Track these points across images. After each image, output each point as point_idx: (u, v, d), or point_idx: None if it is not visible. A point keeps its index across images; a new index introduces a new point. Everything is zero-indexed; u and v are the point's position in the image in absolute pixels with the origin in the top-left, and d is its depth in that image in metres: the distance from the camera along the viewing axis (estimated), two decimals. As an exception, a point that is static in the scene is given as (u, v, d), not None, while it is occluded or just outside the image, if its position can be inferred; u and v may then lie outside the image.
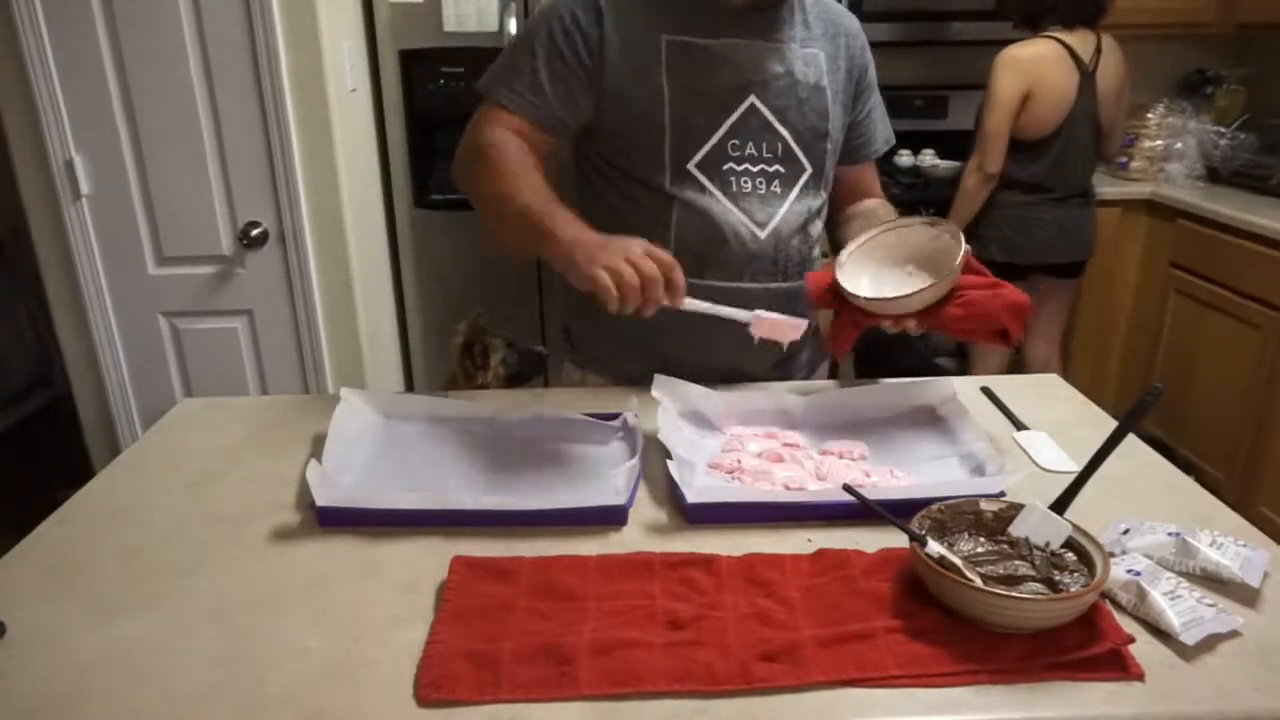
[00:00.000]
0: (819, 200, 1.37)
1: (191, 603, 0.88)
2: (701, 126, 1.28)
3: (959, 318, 1.16)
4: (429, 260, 2.80)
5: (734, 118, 1.28)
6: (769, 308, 1.19)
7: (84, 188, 2.15)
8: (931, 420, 1.22)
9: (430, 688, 0.75)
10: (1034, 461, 1.13)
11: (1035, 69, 2.52)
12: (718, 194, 1.29)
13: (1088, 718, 0.73)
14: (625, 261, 1.05)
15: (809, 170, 1.33)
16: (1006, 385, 1.35)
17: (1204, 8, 3.11)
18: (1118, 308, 3.12)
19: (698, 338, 1.26)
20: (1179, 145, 3.08)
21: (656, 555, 0.92)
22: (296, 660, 0.79)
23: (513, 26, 2.52)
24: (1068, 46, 2.53)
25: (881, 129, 1.48)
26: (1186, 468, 1.15)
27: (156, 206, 2.20)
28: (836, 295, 1.22)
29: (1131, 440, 1.06)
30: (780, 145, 1.30)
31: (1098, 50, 2.57)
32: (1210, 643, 0.79)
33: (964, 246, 1.15)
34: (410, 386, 2.91)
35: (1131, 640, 0.78)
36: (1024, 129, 2.56)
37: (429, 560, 0.92)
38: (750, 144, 1.29)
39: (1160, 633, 0.81)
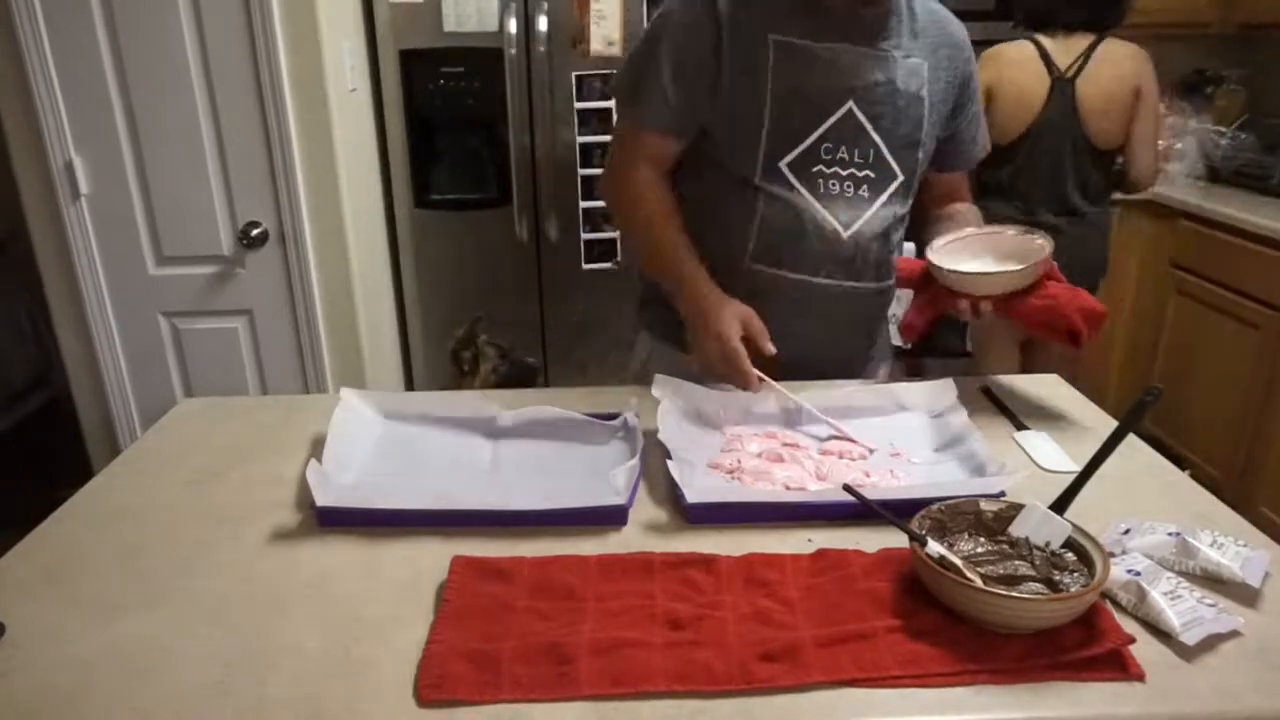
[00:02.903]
0: (904, 207, 1.38)
1: (191, 603, 0.88)
2: (798, 128, 1.30)
3: (1037, 309, 1.23)
4: (429, 260, 2.80)
5: (831, 121, 1.29)
6: (840, 305, 1.36)
7: (84, 188, 2.15)
8: (931, 420, 1.22)
9: (430, 688, 0.75)
10: (1034, 461, 1.13)
11: (997, 67, 2.42)
12: (805, 193, 1.31)
13: (1088, 718, 0.73)
14: (719, 349, 1.24)
15: (900, 178, 1.34)
16: (1006, 385, 1.35)
17: (1204, 8, 3.11)
18: (1118, 308, 3.12)
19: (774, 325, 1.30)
20: (1179, 145, 3.08)
21: (656, 555, 0.92)
22: (296, 660, 0.79)
23: (512, 26, 2.52)
24: (1042, 50, 2.43)
25: (980, 138, 1.48)
26: (1186, 467, 1.15)
27: (156, 206, 2.20)
28: (922, 277, 1.30)
29: (1131, 440, 1.06)
30: (873, 152, 1.31)
31: (1085, 57, 2.42)
32: (1210, 643, 0.79)
33: (1049, 246, 1.22)
34: (410, 386, 2.91)
35: (1131, 640, 0.78)
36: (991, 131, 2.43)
37: (429, 560, 0.92)
38: (843, 148, 1.30)
39: (1160, 633, 0.81)
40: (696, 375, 1.28)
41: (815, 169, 1.31)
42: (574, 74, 2.60)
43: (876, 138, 1.31)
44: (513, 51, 2.54)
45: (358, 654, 0.80)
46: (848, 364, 1.44)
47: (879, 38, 1.30)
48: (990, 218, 2.50)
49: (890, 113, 1.31)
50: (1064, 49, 2.43)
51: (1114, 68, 2.43)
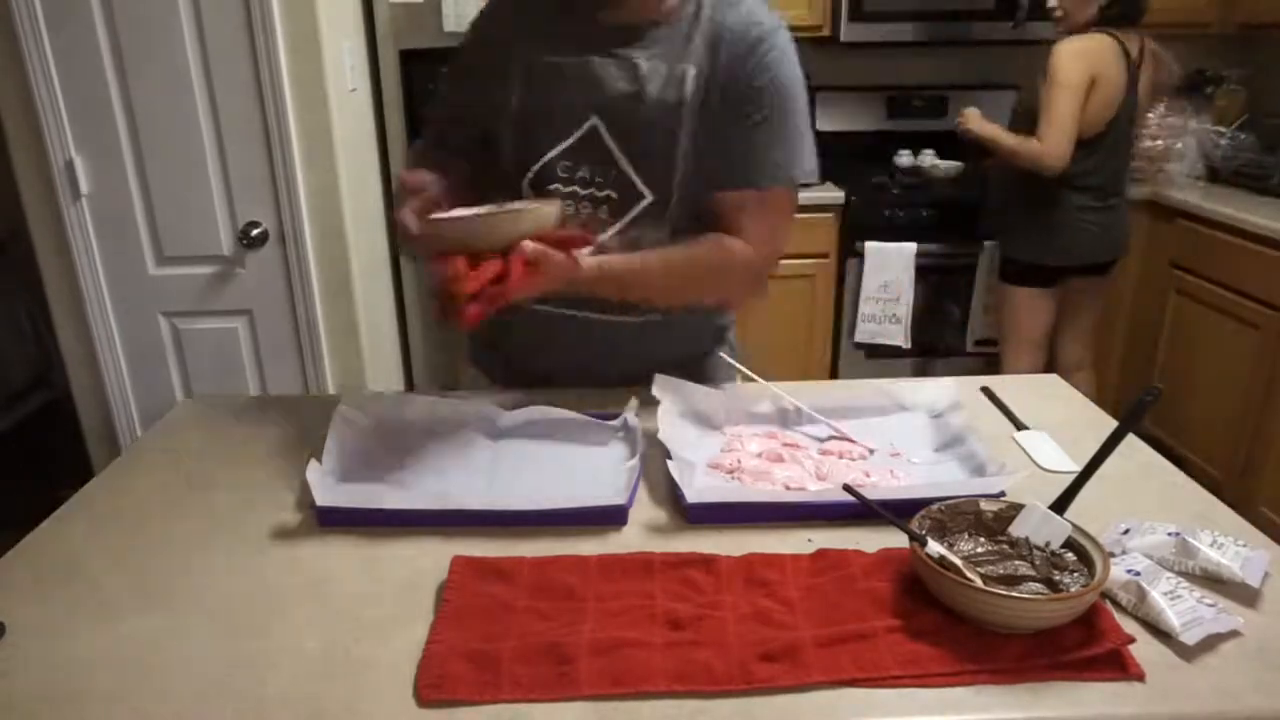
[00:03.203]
0: (662, 231, 1.23)
1: (191, 603, 0.88)
2: (539, 145, 1.24)
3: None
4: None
5: (572, 139, 1.22)
6: (601, 340, 1.29)
7: (84, 188, 2.15)
8: (932, 420, 1.22)
9: (430, 688, 0.75)
10: (1034, 461, 1.13)
11: (1098, 60, 2.47)
12: None
13: (1088, 718, 0.73)
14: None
15: (649, 199, 1.22)
16: (1006, 385, 1.35)
17: (1204, 8, 3.11)
18: (1118, 308, 3.12)
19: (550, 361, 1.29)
20: (1179, 145, 3.08)
21: (656, 555, 0.92)
22: (296, 660, 0.79)
23: (513, 26, 2.51)
24: (1121, 42, 2.51)
25: (770, 159, 1.21)
26: (1185, 466, 1.15)
27: (156, 206, 2.20)
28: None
29: (1131, 440, 1.06)
30: (614, 172, 1.22)
31: (1141, 50, 2.56)
32: (1210, 643, 0.79)
33: (557, 208, 1.09)
34: (410, 386, 2.91)
35: (1131, 640, 0.78)
36: (1082, 124, 2.48)
37: (429, 560, 0.92)
38: (584, 167, 1.22)
39: (1160, 633, 0.81)
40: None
41: (552, 187, 1.24)
42: (574, 74, 2.60)
43: (620, 156, 1.21)
44: (513, 51, 2.53)
45: (358, 654, 0.80)
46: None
47: (632, 46, 1.20)
48: (1069, 209, 2.56)
49: (639, 128, 1.20)
50: (1130, 42, 2.51)
51: (1155, 61, 2.62)
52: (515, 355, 1.39)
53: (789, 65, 1.21)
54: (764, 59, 1.18)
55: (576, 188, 1.24)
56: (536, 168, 1.24)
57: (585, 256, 1.11)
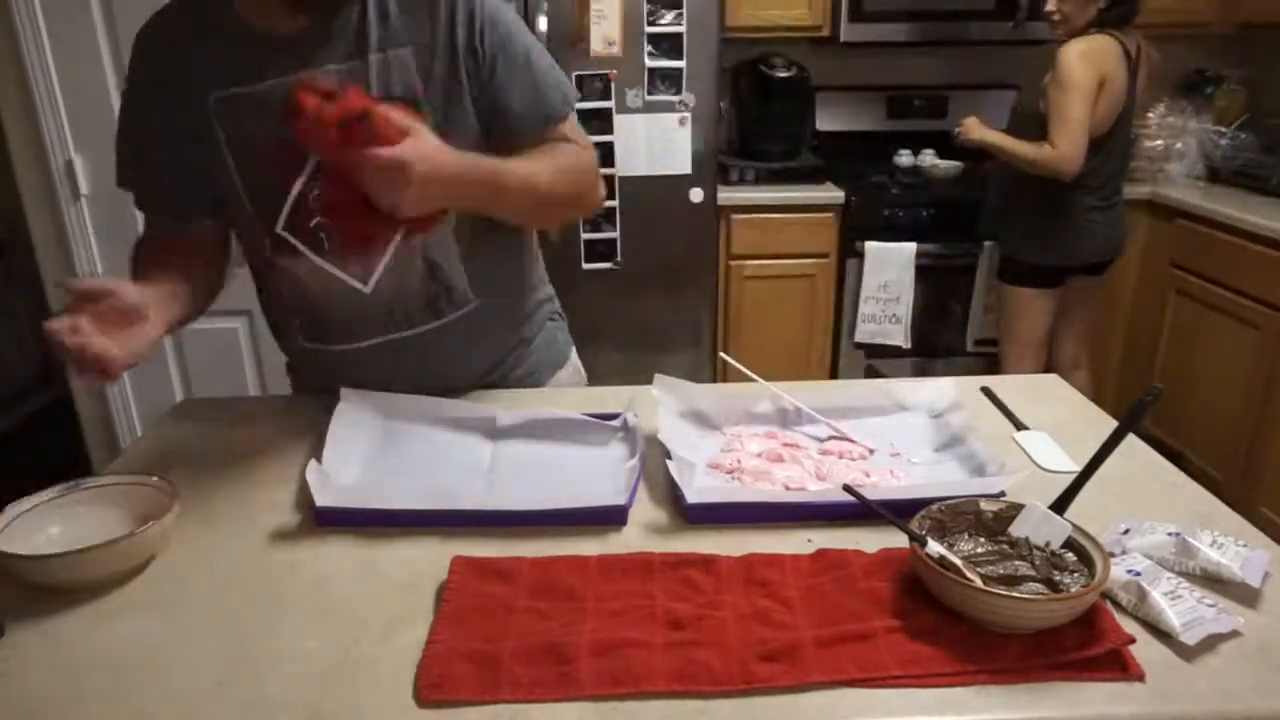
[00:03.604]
0: (444, 225, 1.17)
1: (191, 603, 0.88)
2: (275, 187, 1.11)
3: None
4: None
5: (309, 168, 1.09)
6: (403, 359, 1.22)
7: (84, 188, 2.16)
8: (932, 420, 1.22)
9: (430, 688, 0.75)
10: (1034, 461, 1.13)
11: (1104, 61, 2.47)
12: (311, 256, 1.15)
13: (1088, 718, 0.73)
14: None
15: None
16: (1006, 385, 1.35)
17: (1204, 8, 3.11)
18: (1118, 308, 3.12)
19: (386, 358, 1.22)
20: (1179, 145, 3.08)
21: (656, 555, 0.92)
22: (296, 660, 0.79)
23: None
24: (1121, 43, 2.51)
25: (545, 84, 1.17)
26: (1185, 466, 1.15)
27: (156, 206, 2.20)
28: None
29: (1131, 440, 1.06)
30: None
31: (1139, 48, 2.56)
32: (1210, 643, 0.79)
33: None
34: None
35: (1131, 640, 0.78)
36: (1091, 125, 2.48)
37: (429, 560, 0.92)
38: (335, 191, 1.09)
39: (1160, 633, 0.81)
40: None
41: (314, 223, 1.12)
42: (574, 74, 2.60)
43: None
44: (513, 51, 2.53)
45: (358, 654, 0.80)
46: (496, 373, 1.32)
47: (330, 51, 1.08)
48: (1076, 210, 2.56)
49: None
50: (1127, 39, 2.51)
51: (1148, 58, 2.61)
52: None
53: (501, 8, 1.15)
54: (472, 8, 1.12)
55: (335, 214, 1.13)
56: (287, 209, 1.12)
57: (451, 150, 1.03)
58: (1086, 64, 2.43)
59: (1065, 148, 2.44)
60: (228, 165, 1.12)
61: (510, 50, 1.14)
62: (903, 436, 1.19)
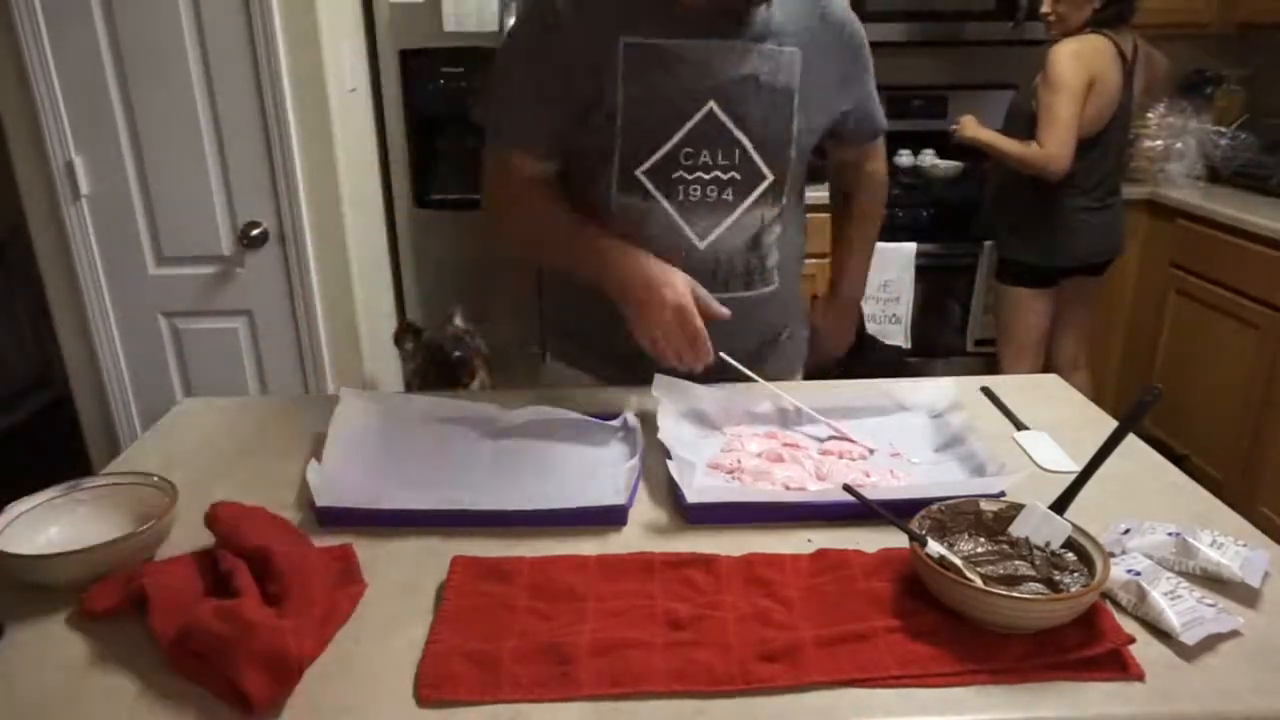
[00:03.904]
0: (777, 208, 1.31)
1: (191, 603, 0.87)
2: (655, 133, 1.23)
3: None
4: (429, 260, 2.80)
5: (690, 124, 1.22)
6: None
7: (84, 188, 2.15)
8: (931, 420, 1.22)
9: (430, 688, 0.75)
10: (1034, 461, 1.13)
11: (1096, 62, 2.47)
12: (663, 201, 1.25)
13: (1088, 718, 0.73)
14: (674, 316, 1.15)
15: (768, 178, 1.27)
16: (1006, 385, 1.35)
17: (1204, 8, 3.11)
18: (1118, 308, 3.12)
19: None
20: (1179, 145, 3.08)
21: (656, 555, 0.92)
22: (296, 660, 0.79)
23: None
24: (1115, 43, 2.51)
25: (875, 114, 1.44)
26: (1185, 466, 1.15)
27: (156, 207, 2.20)
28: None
29: (1131, 440, 1.06)
30: (738, 152, 1.25)
31: (1135, 49, 2.56)
32: (1210, 643, 0.79)
33: None
34: (410, 386, 2.90)
35: (1131, 640, 0.78)
36: (1081, 126, 2.49)
37: (429, 560, 0.92)
38: (705, 152, 1.24)
39: (1160, 633, 0.81)
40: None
41: (675, 175, 1.24)
42: (574, 74, 2.60)
43: (742, 137, 1.24)
44: (513, 51, 2.54)
45: (358, 654, 0.80)
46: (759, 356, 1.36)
47: (742, 29, 1.21)
48: (1068, 210, 2.55)
49: (756, 110, 1.23)
50: (1123, 42, 2.51)
51: (1146, 59, 2.62)
52: (600, 337, 1.35)
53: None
54: (851, 19, 1.33)
55: (700, 173, 1.25)
56: (656, 157, 1.24)
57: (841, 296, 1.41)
58: (1077, 64, 2.43)
59: (1052, 147, 2.44)
60: (613, 106, 1.22)
61: (866, 66, 1.37)
62: (903, 436, 1.19)
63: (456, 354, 2.00)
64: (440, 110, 2.64)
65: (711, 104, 1.22)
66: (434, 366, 2.17)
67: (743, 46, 1.22)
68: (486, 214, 1.36)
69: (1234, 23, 3.11)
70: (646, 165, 1.24)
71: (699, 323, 1.15)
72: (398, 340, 2.11)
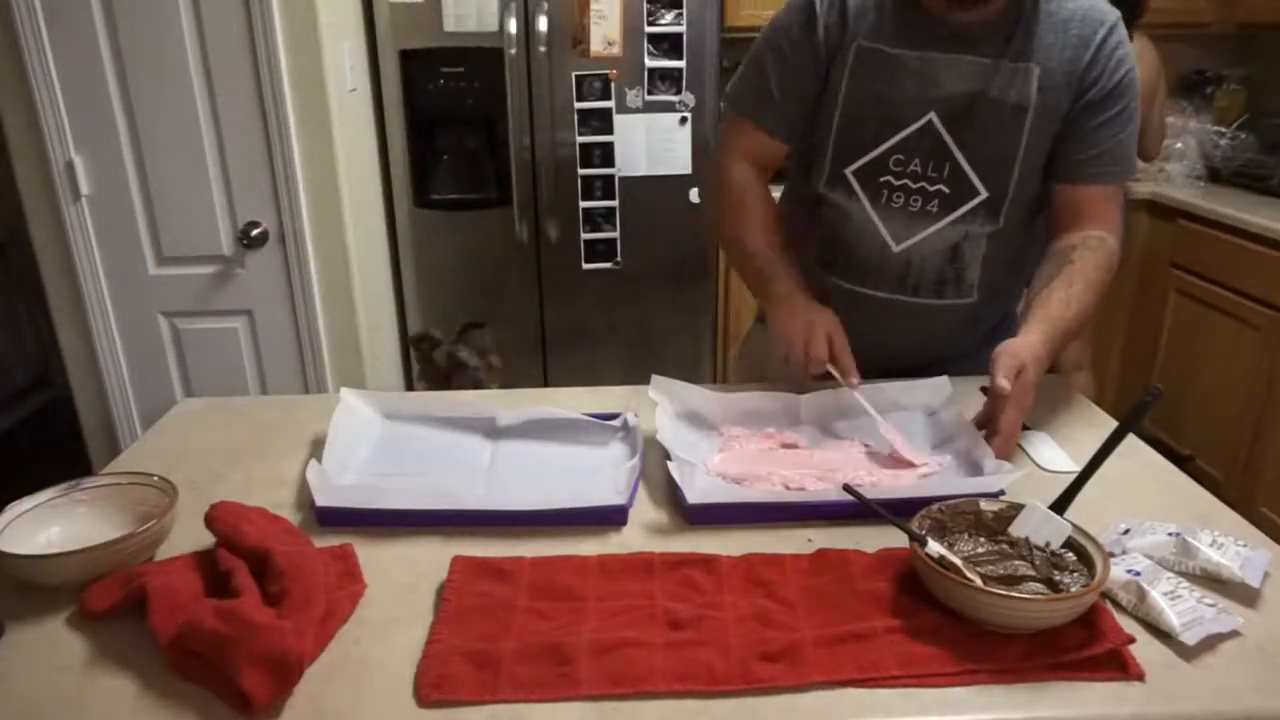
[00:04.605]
0: (992, 225, 1.29)
1: (191, 603, 0.87)
2: (868, 136, 1.27)
3: None
4: (429, 260, 2.80)
5: (905, 133, 1.25)
6: (898, 318, 1.34)
7: (84, 188, 2.16)
8: (928, 419, 1.22)
9: (430, 688, 0.75)
10: (1034, 461, 1.13)
11: None
12: (865, 202, 1.30)
13: (1088, 718, 0.73)
14: (805, 337, 1.22)
15: (983, 195, 1.26)
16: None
17: (1204, 8, 3.11)
18: (1118, 308, 3.12)
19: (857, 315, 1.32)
20: (1179, 145, 3.08)
21: (656, 555, 0.92)
22: (296, 660, 0.79)
23: (512, 26, 2.52)
24: None
25: (1120, 151, 1.26)
26: (1186, 467, 1.15)
27: (156, 207, 2.20)
28: None
29: (1131, 440, 1.06)
30: (949, 166, 1.26)
31: (1140, 52, 2.56)
32: (1210, 643, 0.79)
33: None
34: (410, 386, 2.91)
35: (1131, 640, 0.78)
36: None
37: (429, 560, 0.92)
38: (916, 161, 1.26)
39: (1160, 633, 0.81)
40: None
41: (882, 179, 1.28)
42: (574, 74, 2.61)
43: (956, 152, 1.25)
44: (513, 51, 2.54)
45: (358, 654, 0.80)
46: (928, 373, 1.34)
47: (976, 43, 1.22)
48: None
49: (979, 126, 1.23)
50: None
51: (1148, 56, 2.64)
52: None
53: (1132, 56, 1.26)
54: (1116, 50, 1.23)
55: (908, 181, 1.27)
56: (866, 159, 1.27)
57: (1021, 344, 1.12)
58: None
59: None
60: (835, 103, 1.27)
61: (1114, 101, 1.24)
62: (902, 436, 1.18)
63: (473, 365, 2.00)
64: (440, 110, 2.65)
65: (932, 115, 1.24)
66: (446, 382, 2.16)
67: (975, 62, 1.22)
68: (711, 189, 1.45)
69: (1234, 23, 3.11)
70: (855, 165, 1.28)
71: (821, 343, 1.21)
72: (415, 345, 2.10)
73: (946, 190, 1.27)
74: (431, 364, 2.03)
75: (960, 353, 1.37)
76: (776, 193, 1.45)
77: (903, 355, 1.35)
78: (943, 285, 1.33)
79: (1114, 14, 1.25)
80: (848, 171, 1.29)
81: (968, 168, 1.26)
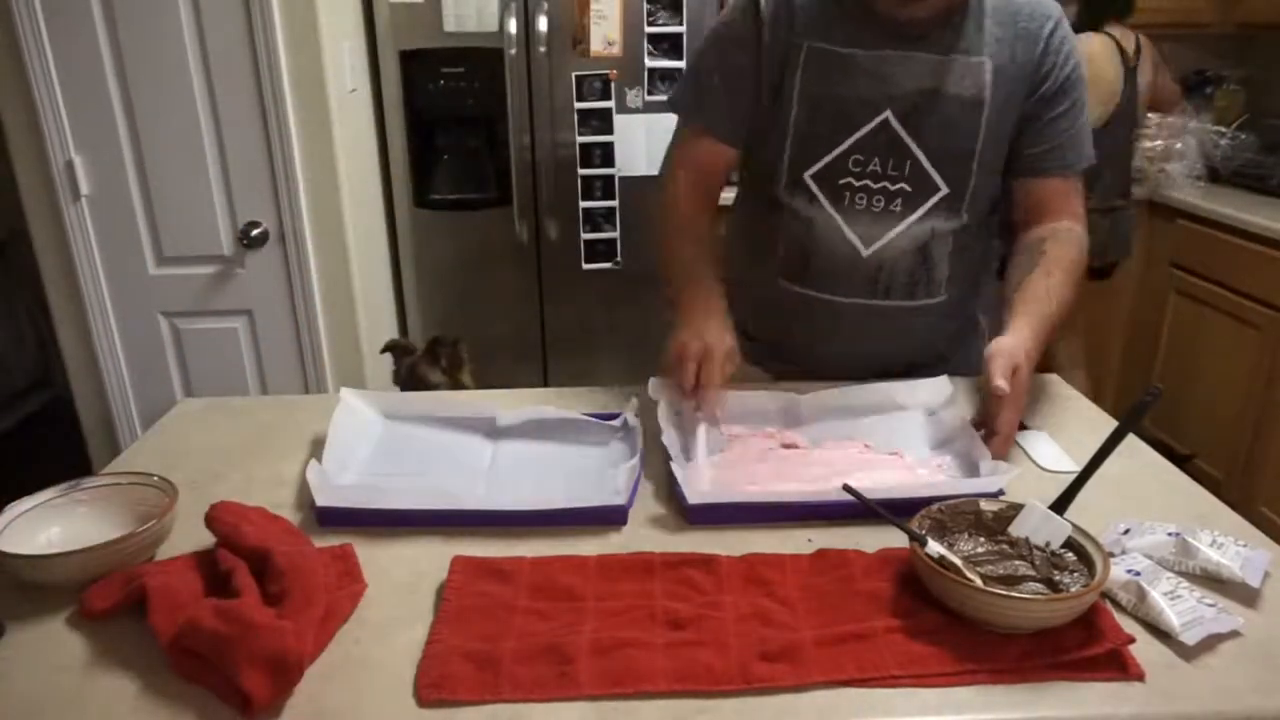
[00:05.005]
0: (956, 221, 1.29)
1: (191, 603, 0.87)
2: (824, 138, 1.26)
3: None
4: (429, 260, 2.80)
5: (861, 133, 1.24)
6: (871, 324, 1.32)
7: (84, 188, 2.15)
8: (928, 419, 1.22)
9: (430, 688, 0.75)
10: (1034, 461, 1.13)
11: (1093, 63, 2.46)
12: (828, 207, 1.28)
13: (1088, 718, 0.73)
14: (675, 363, 1.17)
15: (944, 191, 1.27)
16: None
17: (1204, 8, 3.11)
18: (1118, 308, 3.12)
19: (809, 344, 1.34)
20: (1179, 145, 3.08)
21: (656, 555, 0.92)
22: (296, 660, 0.79)
23: (512, 26, 2.52)
24: (1116, 41, 2.49)
25: (1076, 140, 1.28)
26: (1186, 467, 1.15)
27: (156, 206, 2.20)
28: None
29: (1131, 440, 1.06)
30: (909, 164, 1.25)
31: (1137, 47, 2.55)
32: (1210, 643, 0.79)
33: None
34: (410, 387, 2.90)
35: (1131, 640, 0.78)
36: None
37: (429, 560, 0.92)
38: (876, 160, 1.25)
39: (1160, 633, 0.81)
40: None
41: (842, 181, 1.27)
42: (574, 74, 2.61)
43: (915, 149, 1.24)
44: (513, 51, 2.54)
45: (358, 654, 0.80)
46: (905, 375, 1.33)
47: (929, 39, 1.22)
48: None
49: (935, 121, 1.23)
50: (1123, 39, 2.49)
51: (1149, 55, 2.64)
52: (789, 345, 1.39)
53: (1078, 49, 1.27)
54: (1063, 46, 1.25)
55: (868, 181, 1.26)
56: (824, 162, 1.26)
57: (1013, 342, 1.12)
58: None
59: None
60: (789, 107, 1.26)
61: (1065, 94, 1.25)
62: (901, 435, 1.18)
63: (435, 382, 2.00)
64: (440, 110, 2.64)
65: (887, 114, 1.23)
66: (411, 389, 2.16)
67: (928, 59, 1.22)
68: (660, 181, 1.41)
69: (1234, 23, 3.11)
70: (814, 169, 1.27)
71: (686, 368, 1.15)
72: (390, 351, 2.10)
73: (908, 188, 1.26)
74: (400, 375, 2.04)
75: (931, 358, 1.36)
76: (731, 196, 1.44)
77: (875, 362, 1.33)
78: (914, 286, 1.32)
79: (1057, 9, 1.26)
80: (807, 176, 1.28)
81: (927, 164, 1.25)
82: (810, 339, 1.35)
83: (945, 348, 1.39)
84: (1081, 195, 1.32)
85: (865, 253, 1.29)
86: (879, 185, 1.26)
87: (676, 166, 1.37)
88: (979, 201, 1.30)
